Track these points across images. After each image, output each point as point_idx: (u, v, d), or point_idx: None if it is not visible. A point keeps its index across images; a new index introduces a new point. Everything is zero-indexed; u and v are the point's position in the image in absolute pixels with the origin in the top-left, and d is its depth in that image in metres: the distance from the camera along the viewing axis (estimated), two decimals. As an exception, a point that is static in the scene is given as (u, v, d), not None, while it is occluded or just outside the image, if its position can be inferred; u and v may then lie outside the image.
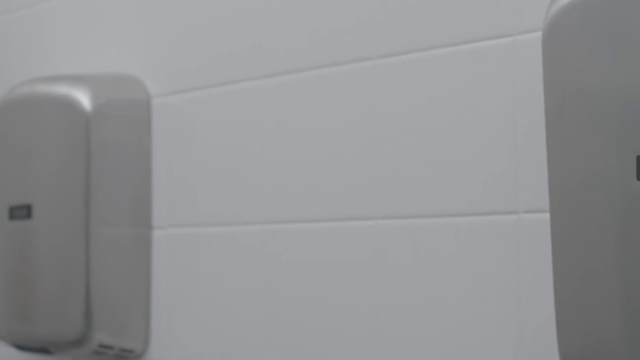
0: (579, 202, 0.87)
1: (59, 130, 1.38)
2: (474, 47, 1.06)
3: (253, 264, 1.26)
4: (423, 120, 1.10)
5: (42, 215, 1.37)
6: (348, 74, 1.17)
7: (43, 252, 1.37)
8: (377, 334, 1.13)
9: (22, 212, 1.39)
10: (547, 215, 0.96)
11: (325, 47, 1.20)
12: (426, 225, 1.10)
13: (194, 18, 1.35)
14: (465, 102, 1.07)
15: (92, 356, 1.37)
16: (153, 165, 1.39)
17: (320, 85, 1.20)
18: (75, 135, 1.36)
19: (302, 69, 1.22)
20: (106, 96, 1.38)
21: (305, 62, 1.22)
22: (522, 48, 1.03)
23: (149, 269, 1.39)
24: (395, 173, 1.12)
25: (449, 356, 1.07)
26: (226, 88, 1.30)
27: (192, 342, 1.33)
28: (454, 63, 1.08)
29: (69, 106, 1.37)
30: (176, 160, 1.36)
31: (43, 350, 1.39)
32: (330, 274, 1.18)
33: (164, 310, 1.37)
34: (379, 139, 1.14)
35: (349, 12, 1.18)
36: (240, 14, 1.29)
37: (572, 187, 0.88)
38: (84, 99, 1.36)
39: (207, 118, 1.33)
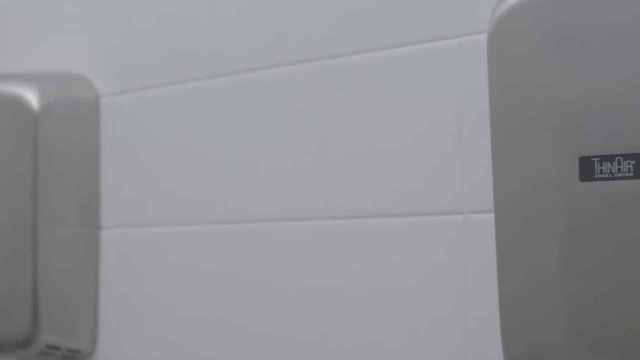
0: (523, 203, 0.87)
1: (6, 130, 1.35)
2: (420, 49, 1.06)
3: (202, 264, 1.24)
4: (370, 121, 1.09)
5: (-11, 215, 1.34)
6: (296, 75, 1.16)
7: (-11, 252, 1.35)
8: (324, 333, 1.12)
9: (-32, 211, 1.36)
10: (492, 216, 0.96)
11: (274, 47, 1.18)
12: (373, 225, 1.09)
13: (142, 17, 1.33)
14: (411, 103, 1.06)
15: (39, 357, 1.34)
16: (101, 164, 1.37)
17: (268, 86, 1.19)
18: (23, 134, 1.33)
19: (250, 69, 1.20)
20: (54, 95, 1.36)
21: (253, 63, 1.20)
22: (468, 49, 1.02)
23: (97, 269, 1.36)
24: (343, 173, 1.11)
25: (395, 357, 1.06)
26: (175, 88, 1.29)
27: (140, 343, 1.31)
28: (401, 64, 1.07)
29: (17, 105, 1.34)
30: (125, 159, 1.34)
31: (-11, 351, 1.37)
32: (279, 274, 1.17)
33: (112, 311, 1.35)
34: (327, 139, 1.13)
35: (297, 13, 1.16)
36: (189, 14, 1.28)
37: (516, 187, 0.88)
38: (31, 98, 1.34)
39: (155, 118, 1.31)
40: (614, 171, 0.82)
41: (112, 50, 1.37)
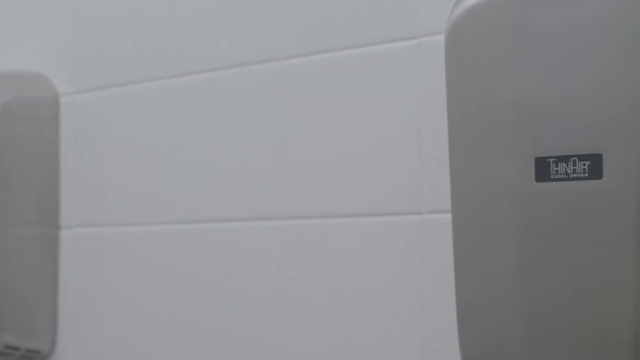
0: (480, 203, 0.86)
1: (-36, 128, 1.33)
2: (379, 49, 1.05)
3: (161, 264, 1.23)
4: (329, 121, 1.08)
5: (-54, 215, 1.32)
6: (256, 74, 1.15)
7: (-54, 252, 1.32)
8: (282, 334, 1.11)
9: None
10: (450, 216, 0.95)
11: (233, 47, 1.17)
12: (332, 225, 1.08)
13: (103, 17, 1.31)
14: (370, 104, 1.05)
15: (-3, 358, 1.32)
16: (61, 164, 1.35)
17: (228, 86, 1.17)
18: (-19, 133, 1.31)
19: (210, 69, 1.19)
20: (13, 94, 1.33)
21: (213, 63, 1.19)
22: (427, 50, 1.01)
23: (56, 269, 1.34)
24: (302, 173, 1.10)
25: (352, 355, 1.06)
26: (134, 87, 1.27)
27: (100, 343, 1.29)
28: (360, 65, 1.06)
29: (-25, 104, 1.32)
30: (84, 159, 1.32)
31: (-54, 352, 1.34)
32: (237, 273, 1.15)
33: (72, 311, 1.33)
34: (286, 139, 1.12)
35: (256, 13, 1.15)
36: (149, 13, 1.26)
37: (473, 188, 0.87)
38: (-10, 96, 1.32)
39: (115, 117, 1.29)
40: (569, 172, 0.82)
41: (72, 49, 1.35)
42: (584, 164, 0.81)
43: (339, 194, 1.07)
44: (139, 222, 1.25)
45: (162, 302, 1.22)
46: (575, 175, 0.82)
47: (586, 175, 0.81)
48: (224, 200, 1.17)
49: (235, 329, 1.15)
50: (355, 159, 1.06)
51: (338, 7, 1.08)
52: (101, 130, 1.30)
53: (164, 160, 1.23)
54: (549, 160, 0.83)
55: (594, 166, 0.81)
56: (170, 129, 1.23)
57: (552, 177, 0.83)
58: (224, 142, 1.17)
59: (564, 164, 0.82)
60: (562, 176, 0.82)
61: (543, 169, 0.83)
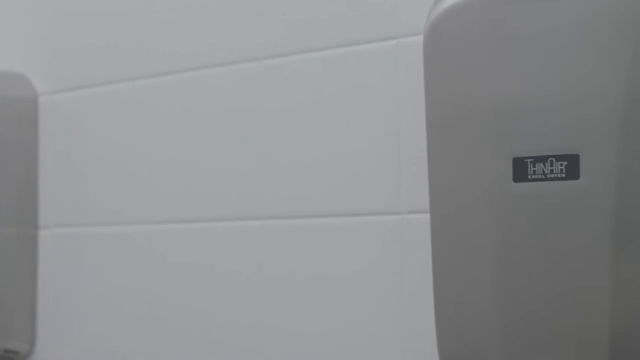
0: (458, 203, 0.86)
1: (-58, 128, 1.32)
2: (358, 49, 1.05)
3: (140, 264, 1.22)
4: (309, 121, 1.08)
5: None
6: (235, 74, 1.14)
7: None
8: (261, 334, 1.11)
9: None
10: (429, 216, 0.95)
11: (213, 47, 1.16)
12: (311, 225, 1.07)
13: (82, 16, 1.30)
14: (349, 104, 1.05)
15: (-25, 358, 1.31)
16: (40, 163, 1.34)
17: (207, 86, 1.17)
18: (-40, 132, 1.30)
19: (189, 68, 1.18)
20: (-8, 93, 1.33)
21: (192, 62, 1.18)
22: (406, 51, 1.01)
23: (35, 269, 1.33)
24: (282, 173, 1.10)
25: (332, 355, 1.05)
26: (114, 86, 1.26)
27: (79, 343, 1.28)
28: (339, 65, 1.06)
29: (-46, 103, 1.31)
30: (63, 158, 1.31)
31: None
32: (217, 273, 1.15)
33: (51, 311, 1.31)
34: (266, 139, 1.11)
35: (235, 13, 1.15)
36: (127, 13, 1.25)
37: (451, 188, 0.87)
38: (-31, 96, 1.31)
39: (95, 116, 1.28)
40: (546, 172, 0.82)
41: (51, 49, 1.34)
42: (561, 165, 0.81)
43: (318, 194, 1.07)
44: (118, 222, 1.24)
45: (142, 302, 1.22)
46: (552, 175, 0.82)
47: (563, 175, 0.81)
48: (204, 200, 1.16)
49: (214, 329, 1.14)
50: (334, 159, 1.06)
51: (317, 7, 1.08)
52: (80, 129, 1.29)
53: (144, 160, 1.22)
54: (526, 160, 0.83)
55: (571, 166, 0.81)
56: (150, 129, 1.22)
57: (529, 177, 0.83)
58: (203, 142, 1.17)
59: (542, 164, 0.82)
60: (540, 176, 0.82)
61: (520, 170, 0.83)
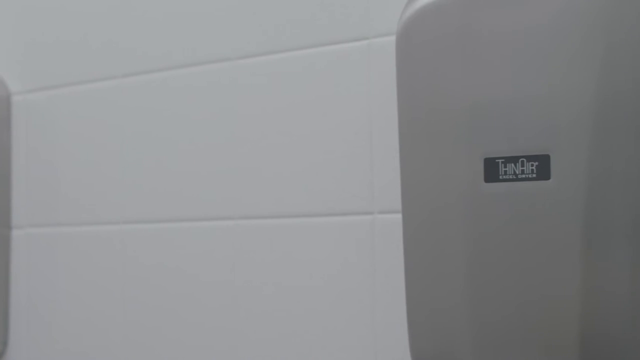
0: (430, 204, 0.86)
1: None
2: (330, 50, 1.04)
3: (113, 265, 1.21)
4: (281, 122, 1.07)
5: None
6: (208, 74, 1.13)
7: None
8: (235, 334, 1.10)
9: None
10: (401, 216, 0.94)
11: (185, 46, 1.15)
12: (284, 225, 1.07)
13: (54, 15, 1.29)
14: (322, 105, 1.04)
15: (-54, 359, 1.29)
16: (12, 163, 1.32)
17: (180, 85, 1.16)
18: None
19: (162, 68, 1.17)
20: (-36, 93, 1.31)
21: (165, 62, 1.17)
22: (378, 51, 1.01)
23: (7, 269, 1.32)
24: (254, 173, 1.09)
25: (304, 355, 1.05)
26: (87, 86, 1.25)
27: (52, 343, 1.27)
28: (312, 65, 1.05)
29: None
30: (36, 158, 1.30)
31: None
32: (190, 273, 1.14)
33: (24, 311, 1.30)
34: (238, 139, 1.10)
35: (208, 13, 1.14)
36: (100, 12, 1.24)
37: (422, 188, 0.86)
38: (-59, 95, 1.29)
39: (67, 116, 1.26)
40: (517, 172, 0.81)
41: (24, 48, 1.32)
42: (532, 165, 0.81)
43: (291, 194, 1.06)
44: (91, 222, 1.23)
45: (115, 302, 1.20)
46: (523, 175, 0.81)
47: (534, 175, 0.81)
48: (176, 200, 1.15)
49: (187, 330, 1.14)
50: (307, 160, 1.05)
51: (290, 8, 1.07)
52: (53, 129, 1.28)
53: (116, 161, 1.21)
54: (497, 160, 0.82)
55: (542, 167, 0.81)
56: (122, 129, 1.21)
57: (500, 177, 0.82)
58: (175, 142, 1.16)
59: (513, 164, 0.82)
60: (511, 177, 0.82)
61: (492, 170, 0.82)
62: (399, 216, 0.97)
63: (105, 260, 1.21)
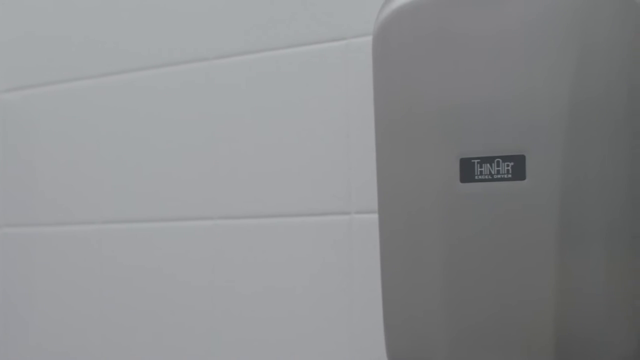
0: (406, 204, 0.85)
1: None
2: (308, 50, 1.03)
3: (90, 264, 1.20)
4: (259, 122, 1.07)
5: None
6: (185, 74, 1.13)
7: None
8: (213, 334, 1.09)
9: None
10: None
11: (163, 47, 1.15)
12: (262, 225, 1.06)
13: (31, 14, 1.28)
14: (299, 105, 1.04)
15: None
16: (-10, 163, 1.31)
17: (157, 85, 1.15)
18: None
19: (139, 68, 1.17)
20: (-59, 92, 1.29)
21: (142, 62, 1.16)
22: (356, 51, 1.00)
23: (-16, 269, 1.31)
24: (233, 173, 1.08)
25: (282, 355, 1.04)
26: (64, 85, 1.24)
27: (29, 342, 1.26)
28: (289, 66, 1.05)
29: None
30: (12, 158, 1.28)
31: None
32: (167, 273, 1.13)
33: (1, 311, 1.29)
34: (216, 139, 1.10)
35: (185, 12, 1.13)
36: (78, 12, 1.23)
37: (399, 188, 0.86)
38: None
39: (45, 116, 1.25)
40: (493, 172, 0.81)
41: (1, 48, 1.31)
42: (508, 165, 0.81)
43: (269, 194, 1.06)
44: (68, 221, 1.22)
45: (92, 302, 1.19)
46: (499, 176, 0.81)
47: (510, 176, 0.81)
48: (155, 200, 1.14)
49: (165, 331, 1.13)
50: (284, 160, 1.05)
51: (267, 7, 1.06)
52: (30, 129, 1.27)
53: (94, 160, 1.20)
54: (473, 161, 0.82)
55: (518, 167, 0.80)
56: (100, 128, 1.20)
57: (476, 177, 0.82)
58: (153, 142, 1.15)
59: (488, 164, 0.81)
60: (486, 177, 0.82)
61: (467, 170, 0.82)
62: (376, 216, 0.97)
63: (83, 260, 1.20)
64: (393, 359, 0.87)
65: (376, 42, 0.88)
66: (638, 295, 0.78)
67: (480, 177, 0.82)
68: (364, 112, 0.99)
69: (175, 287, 1.12)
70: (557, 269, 0.79)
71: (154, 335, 1.14)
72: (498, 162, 0.81)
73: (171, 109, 1.13)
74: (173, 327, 1.12)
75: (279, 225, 1.05)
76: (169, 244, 1.13)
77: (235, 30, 1.09)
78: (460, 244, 0.82)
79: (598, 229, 0.78)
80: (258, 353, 1.05)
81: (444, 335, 0.83)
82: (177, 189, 1.12)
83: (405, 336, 0.85)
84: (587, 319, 0.78)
